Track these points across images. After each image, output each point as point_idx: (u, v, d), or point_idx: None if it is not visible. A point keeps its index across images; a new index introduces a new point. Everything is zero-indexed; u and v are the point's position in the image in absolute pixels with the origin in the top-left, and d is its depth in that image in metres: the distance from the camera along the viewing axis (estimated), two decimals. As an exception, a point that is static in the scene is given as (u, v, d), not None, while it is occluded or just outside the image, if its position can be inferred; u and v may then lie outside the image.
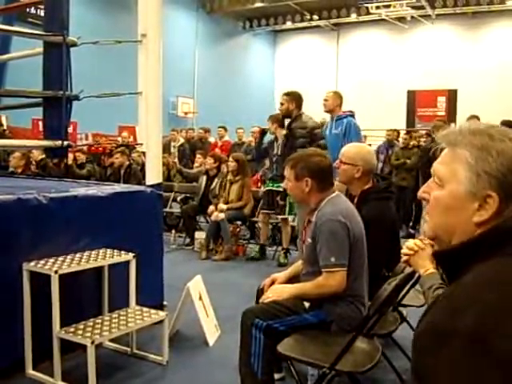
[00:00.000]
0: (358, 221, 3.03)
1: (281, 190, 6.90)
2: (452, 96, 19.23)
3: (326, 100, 6.33)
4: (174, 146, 11.88)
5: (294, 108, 5.99)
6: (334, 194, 3.09)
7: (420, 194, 1.31)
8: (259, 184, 9.05)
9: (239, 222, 7.78)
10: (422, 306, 3.46)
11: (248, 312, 2.95)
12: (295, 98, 6.05)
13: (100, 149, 12.01)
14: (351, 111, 6.81)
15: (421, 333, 1.02)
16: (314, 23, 22.07)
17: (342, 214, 2.93)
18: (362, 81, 21.71)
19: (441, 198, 1.23)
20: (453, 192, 1.20)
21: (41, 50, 4.46)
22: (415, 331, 1.07)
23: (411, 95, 19.94)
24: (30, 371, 3.43)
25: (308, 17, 21.66)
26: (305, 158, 3.13)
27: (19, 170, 8.12)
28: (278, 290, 3.05)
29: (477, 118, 8.15)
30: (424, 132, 12.41)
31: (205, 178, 8.22)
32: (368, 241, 3.13)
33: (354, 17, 21.06)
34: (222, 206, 7.33)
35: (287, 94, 6.10)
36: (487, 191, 1.14)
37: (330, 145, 6.24)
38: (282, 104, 6.11)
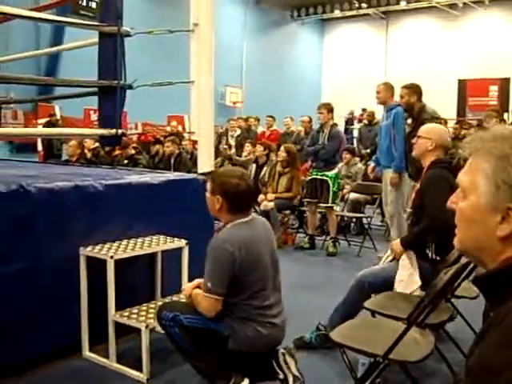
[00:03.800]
0: (257, 249, 2.94)
1: (325, 178, 6.88)
2: (504, 85, 18.65)
3: (378, 93, 6.26)
4: (231, 136, 12.11)
5: (416, 100, 5.91)
6: (240, 221, 2.95)
7: (448, 203, 1.24)
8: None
9: (288, 212, 7.77)
10: (475, 297, 3.40)
11: (158, 309, 3.08)
12: (416, 91, 5.98)
13: (149, 138, 12.19)
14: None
15: (473, 366, 1.00)
16: (362, 11, 21.71)
17: (231, 243, 2.81)
18: (411, 70, 21.23)
19: (464, 210, 1.17)
20: (474, 204, 1.13)
21: (95, 40, 4.55)
22: (468, 360, 1.04)
23: (462, 84, 19.44)
24: (86, 353, 3.55)
25: (356, 5, 21.33)
26: (225, 175, 3.01)
27: (74, 158, 8.31)
28: (185, 290, 3.08)
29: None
30: (475, 122, 12.12)
31: (254, 166, 8.23)
32: (427, 204, 3.45)
33: (403, 4, 20.61)
34: (270, 195, 7.33)
35: (407, 87, 6.01)
36: (508, 204, 1.07)
37: (383, 134, 6.24)
38: (401, 97, 6.00)
